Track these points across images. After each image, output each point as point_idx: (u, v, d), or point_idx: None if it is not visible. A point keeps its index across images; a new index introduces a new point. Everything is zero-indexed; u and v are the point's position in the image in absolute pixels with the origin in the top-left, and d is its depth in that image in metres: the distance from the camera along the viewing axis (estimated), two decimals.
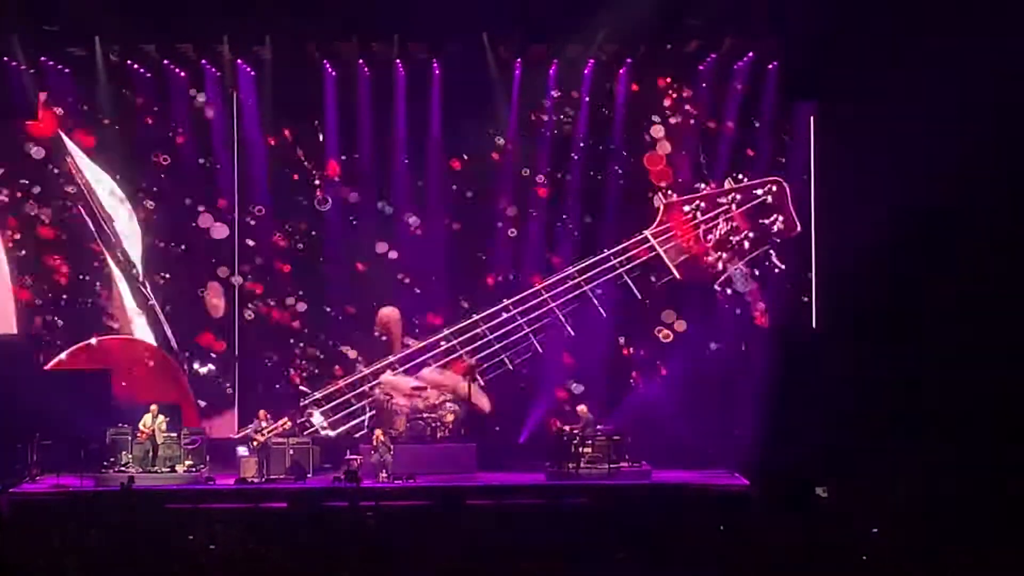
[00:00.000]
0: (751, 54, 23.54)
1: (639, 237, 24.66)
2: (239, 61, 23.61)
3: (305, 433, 23.50)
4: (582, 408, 22.84)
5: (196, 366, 24.33)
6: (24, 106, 23.53)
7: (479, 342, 24.38)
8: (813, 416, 23.28)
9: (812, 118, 24.06)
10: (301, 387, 24.22)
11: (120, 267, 24.10)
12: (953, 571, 13.39)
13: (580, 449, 21.91)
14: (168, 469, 21.82)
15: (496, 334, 24.39)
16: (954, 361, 21.99)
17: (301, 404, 23.93)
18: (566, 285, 24.52)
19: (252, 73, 23.71)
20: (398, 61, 23.62)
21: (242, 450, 22.13)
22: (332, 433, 23.92)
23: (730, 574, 13.50)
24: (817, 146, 24.03)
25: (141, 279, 24.15)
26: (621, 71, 23.85)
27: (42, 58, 23.23)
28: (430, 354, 24.36)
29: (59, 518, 16.57)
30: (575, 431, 22.21)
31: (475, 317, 24.50)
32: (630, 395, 24.22)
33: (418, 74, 23.66)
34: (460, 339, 24.39)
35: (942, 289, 22.20)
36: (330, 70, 23.73)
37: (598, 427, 22.39)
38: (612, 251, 24.68)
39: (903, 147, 22.01)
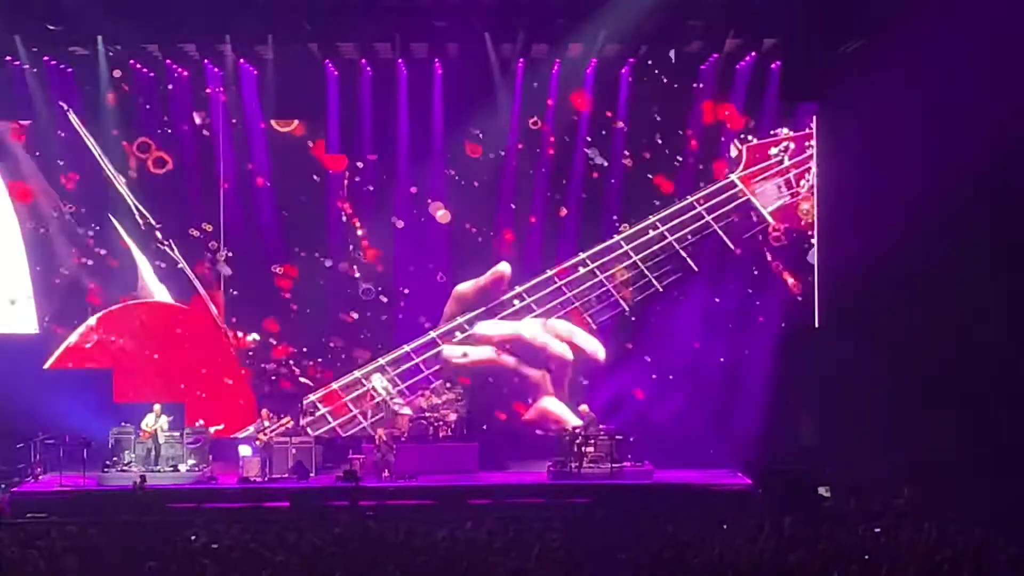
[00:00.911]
0: (753, 54, 23.54)
1: (725, 181, 23.37)
2: (241, 60, 23.63)
3: (371, 403, 23.33)
4: (584, 407, 22.84)
5: (240, 334, 24.14)
6: (26, 105, 23.57)
7: (557, 299, 23.70)
8: (815, 415, 23.36)
9: (814, 118, 24.06)
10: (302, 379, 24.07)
11: (129, 233, 23.92)
12: (954, 569, 13.41)
13: (583, 448, 21.90)
14: (171, 468, 21.82)
15: (574, 291, 23.67)
16: (954, 359, 22.01)
17: (304, 401, 23.90)
18: (647, 236, 23.56)
19: (255, 72, 23.74)
20: (400, 61, 23.65)
21: (244, 449, 22.14)
22: (400, 403, 23.19)
23: (731, 575, 13.51)
24: (819, 146, 24.03)
25: (163, 239, 23.88)
26: (623, 71, 23.86)
27: (45, 57, 23.26)
28: (504, 312, 23.70)
29: (66, 516, 16.65)
30: (578, 430, 22.20)
31: (549, 272, 23.74)
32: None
33: (420, 74, 23.70)
34: (535, 297, 23.70)
35: (943, 287, 22.21)
36: (332, 69, 23.75)
37: (600, 426, 22.39)
38: (696, 197, 23.31)
39: (904, 147, 22.04)
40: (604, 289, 23.85)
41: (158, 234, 23.94)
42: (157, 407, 22.20)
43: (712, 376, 23.87)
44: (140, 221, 23.94)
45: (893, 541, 14.84)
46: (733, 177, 23.56)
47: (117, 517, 17.39)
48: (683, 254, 23.70)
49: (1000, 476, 19.45)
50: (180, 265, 24.02)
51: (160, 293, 24.16)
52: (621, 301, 23.81)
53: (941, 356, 22.09)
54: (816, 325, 24.04)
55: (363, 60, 23.70)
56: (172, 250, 23.95)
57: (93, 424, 22.10)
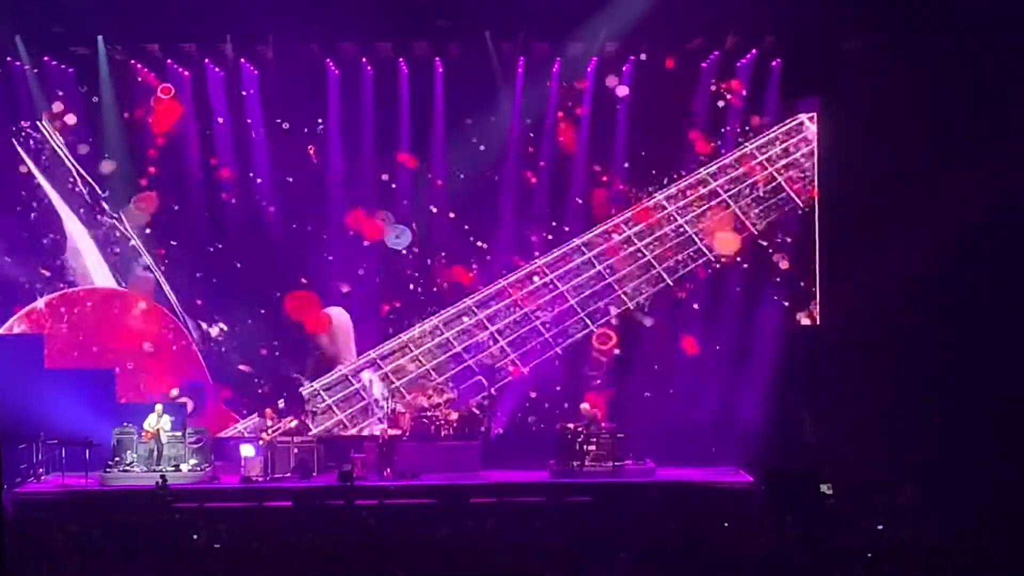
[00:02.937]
0: (754, 52, 23.54)
1: (792, 121, 21.32)
2: (242, 60, 23.64)
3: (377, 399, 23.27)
4: (585, 406, 22.85)
5: (204, 326, 23.97)
6: (28, 106, 23.58)
7: (586, 273, 22.93)
8: (817, 413, 23.35)
9: (815, 115, 24.04)
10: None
11: (74, 207, 23.60)
12: (955, 569, 13.42)
13: (584, 447, 21.89)
14: (173, 468, 21.82)
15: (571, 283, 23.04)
16: (955, 359, 22.01)
17: (305, 396, 23.90)
18: (698, 194, 22.22)
19: (256, 72, 23.75)
20: (401, 60, 23.66)
21: (247, 449, 22.15)
22: (390, 403, 23.09)
23: (733, 572, 13.52)
24: (820, 143, 24.01)
25: (112, 213, 23.38)
26: (624, 69, 23.84)
27: (45, 58, 23.28)
28: (529, 287, 23.28)
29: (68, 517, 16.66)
30: (579, 429, 22.20)
31: (565, 250, 22.84)
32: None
33: (421, 73, 23.71)
34: (556, 272, 22.76)
35: (944, 285, 22.20)
36: (333, 69, 23.75)
37: (602, 424, 22.39)
38: (755, 145, 21.57)
39: (905, 143, 22.04)
40: (644, 260, 23.11)
41: (105, 204, 23.52)
42: (159, 407, 22.22)
43: (714, 373, 23.87)
44: (84, 191, 23.52)
45: (896, 539, 14.84)
46: (803, 117, 21.82)
47: (122, 517, 17.38)
48: (739, 214, 22.06)
49: (1001, 474, 19.43)
50: (132, 242, 23.57)
51: (104, 278, 23.77)
52: (664, 274, 22.89)
53: (942, 354, 22.07)
54: (817, 323, 24.02)
55: (364, 59, 23.73)
56: (121, 222, 23.47)
57: (95, 424, 22.10)
